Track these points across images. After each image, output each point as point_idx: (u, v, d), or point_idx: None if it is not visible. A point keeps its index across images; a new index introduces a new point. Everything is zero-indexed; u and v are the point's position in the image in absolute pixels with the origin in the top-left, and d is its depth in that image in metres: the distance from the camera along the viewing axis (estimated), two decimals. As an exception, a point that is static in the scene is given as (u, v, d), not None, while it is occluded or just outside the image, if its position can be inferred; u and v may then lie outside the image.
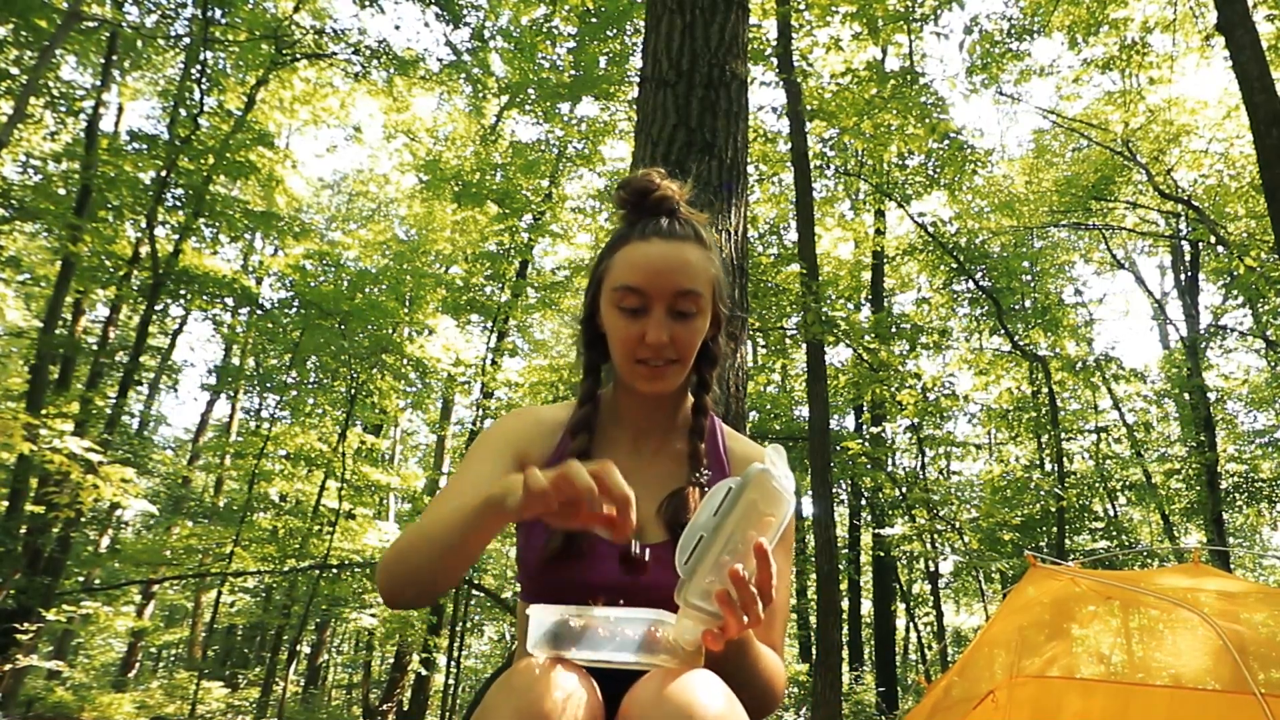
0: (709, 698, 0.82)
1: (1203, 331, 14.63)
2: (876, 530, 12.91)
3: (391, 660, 15.45)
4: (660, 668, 0.85)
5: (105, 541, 14.12)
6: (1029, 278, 15.00)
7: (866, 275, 14.81)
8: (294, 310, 11.84)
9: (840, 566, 11.37)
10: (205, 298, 11.76)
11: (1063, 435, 12.19)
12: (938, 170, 10.98)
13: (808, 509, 11.35)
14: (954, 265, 12.58)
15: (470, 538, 0.94)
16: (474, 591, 13.03)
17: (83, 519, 9.65)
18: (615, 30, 8.81)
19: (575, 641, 0.84)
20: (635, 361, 1.11)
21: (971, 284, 12.81)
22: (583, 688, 0.83)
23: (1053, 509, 10.65)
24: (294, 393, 14.18)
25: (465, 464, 1.16)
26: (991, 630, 4.38)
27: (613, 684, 0.87)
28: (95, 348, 11.61)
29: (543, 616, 0.86)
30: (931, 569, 13.82)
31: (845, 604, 14.95)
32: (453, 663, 12.54)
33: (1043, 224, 15.11)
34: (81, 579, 12.60)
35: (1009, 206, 15.56)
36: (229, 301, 12.40)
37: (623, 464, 1.16)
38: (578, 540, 1.07)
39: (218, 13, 9.94)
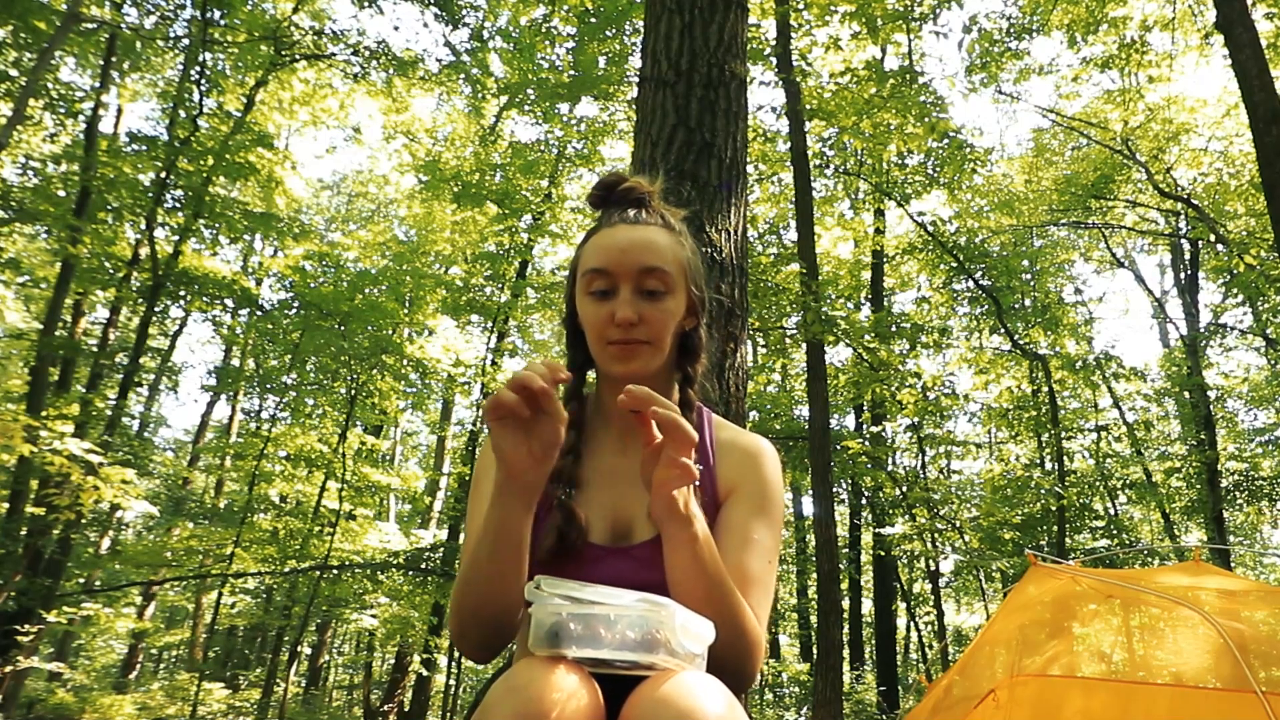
0: (710, 701, 0.81)
1: (1202, 330, 14.63)
2: (877, 529, 12.90)
3: (392, 661, 15.46)
4: (660, 668, 0.85)
5: (106, 543, 14.12)
6: (1029, 276, 14.99)
7: (866, 274, 14.80)
8: (294, 311, 11.83)
9: (841, 566, 11.36)
10: (205, 299, 11.75)
11: (1063, 434, 12.18)
12: (937, 169, 10.97)
13: (808, 509, 11.35)
14: (954, 264, 12.57)
15: (504, 538, 0.99)
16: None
17: (83, 521, 9.63)
18: (614, 30, 8.80)
19: (575, 640, 0.84)
20: (607, 344, 1.12)
21: (971, 283, 12.80)
22: (583, 687, 0.83)
23: (1053, 508, 10.64)
24: (294, 394, 14.18)
25: (474, 491, 1.19)
26: (992, 629, 4.38)
27: (613, 685, 0.87)
28: (95, 349, 11.60)
29: (542, 615, 0.85)
30: (932, 568, 13.81)
31: (846, 603, 14.95)
32: (454, 663, 12.53)
33: (1042, 223, 15.12)
34: (82, 581, 12.61)
35: (1008, 205, 15.57)
36: (229, 303, 12.40)
37: (610, 462, 1.16)
38: (572, 540, 1.07)
39: (216, 14, 9.94)
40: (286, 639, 13.71)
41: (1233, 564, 15.36)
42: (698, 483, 1.12)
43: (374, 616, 12.35)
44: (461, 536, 12.59)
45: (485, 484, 1.16)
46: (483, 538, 1.00)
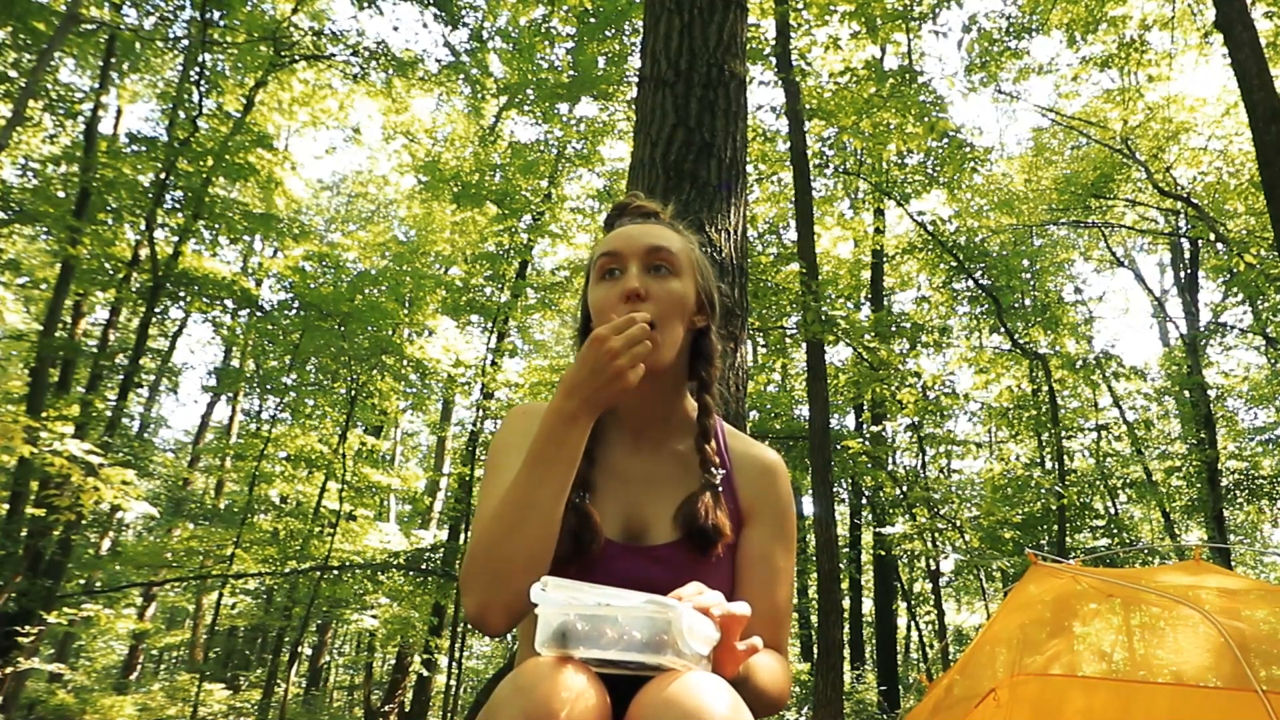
0: (715, 701, 0.81)
1: (1202, 329, 14.63)
2: (877, 529, 12.90)
3: (393, 661, 15.46)
4: (666, 669, 0.85)
5: (106, 544, 14.12)
6: (1028, 276, 15.00)
7: (866, 274, 14.80)
8: (294, 312, 11.84)
9: (841, 565, 11.37)
10: (205, 300, 11.75)
11: (1063, 433, 12.18)
12: (937, 169, 10.97)
13: (809, 508, 11.35)
14: (953, 263, 12.57)
15: (570, 460, 1.02)
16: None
17: (83, 522, 9.64)
18: (614, 30, 8.80)
19: (581, 641, 0.84)
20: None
21: (971, 282, 12.80)
22: (590, 687, 0.83)
23: (1053, 507, 10.65)
24: (294, 394, 14.18)
25: (492, 470, 1.17)
26: (993, 628, 4.38)
27: (620, 685, 0.87)
28: (95, 350, 11.60)
29: (550, 615, 0.85)
30: (932, 567, 13.82)
31: (846, 603, 14.95)
32: (454, 664, 12.52)
33: (1042, 222, 15.11)
34: (83, 582, 12.60)
35: (1008, 204, 15.56)
36: (229, 303, 12.40)
37: (624, 463, 1.16)
38: (586, 544, 1.08)
39: (216, 15, 9.94)
40: (287, 639, 13.71)
41: (1233, 563, 15.36)
42: (720, 488, 1.14)
43: (374, 617, 12.35)
44: (463, 538, 12.58)
45: (502, 472, 1.13)
46: (543, 457, 1.02)
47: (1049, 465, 13.57)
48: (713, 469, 1.14)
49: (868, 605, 16.30)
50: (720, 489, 1.14)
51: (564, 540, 1.07)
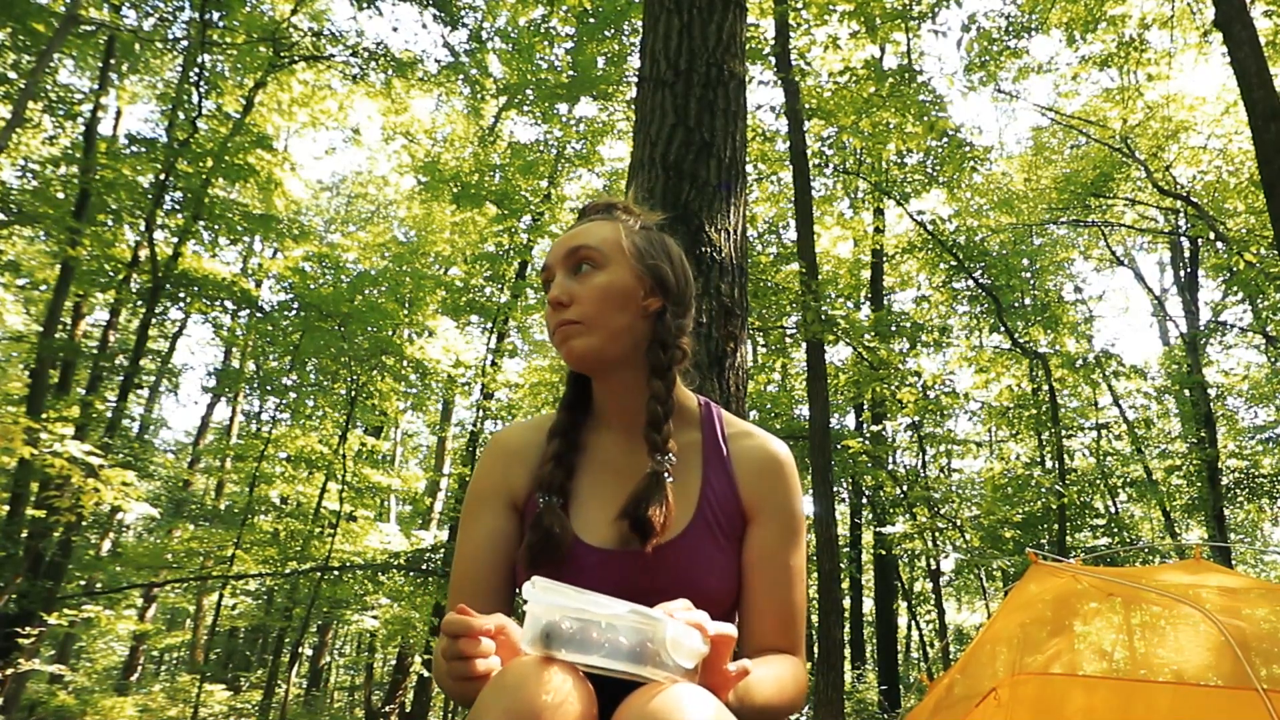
0: (699, 714, 0.80)
1: (1202, 327, 14.63)
2: (878, 528, 12.90)
3: (394, 662, 15.46)
4: (648, 679, 0.83)
5: (107, 545, 14.11)
6: (1028, 275, 15.00)
7: (866, 274, 14.81)
8: (294, 313, 11.83)
9: (842, 565, 11.37)
10: (205, 301, 11.75)
11: (1063, 432, 12.18)
12: (936, 168, 10.97)
13: (809, 508, 11.35)
14: (953, 263, 12.57)
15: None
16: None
17: (84, 523, 9.64)
18: (613, 30, 8.82)
19: (566, 643, 0.83)
20: (551, 333, 1.13)
21: (971, 281, 12.80)
22: (576, 688, 0.82)
23: (1054, 506, 10.65)
24: (294, 395, 14.18)
25: (466, 517, 1.18)
26: (993, 628, 4.38)
27: (611, 688, 0.86)
28: (95, 351, 11.60)
29: (539, 614, 0.85)
30: (933, 567, 13.82)
31: (847, 602, 14.95)
32: (455, 664, 12.50)
33: (1042, 221, 15.12)
34: (83, 583, 12.60)
35: (1008, 204, 15.57)
36: (229, 304, 12.39)
37: (617, 462, 1.15)
38: (540, 552, 1.06)
39: (215, 16, 9.94)
40: (287, 640, 13.71)
41: (1234, 561, 15.36)
42: (668, 476, 1.09)
43: (375, 618, 12.36)
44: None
45: (477, 528, 1.15)
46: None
47: (1049, 464, 13.57)
48: (659, 456, 1.09)
49: (868, 605, 16.30)
50: (668, 477, 1.08)
51: (525, 552, 1.07)
